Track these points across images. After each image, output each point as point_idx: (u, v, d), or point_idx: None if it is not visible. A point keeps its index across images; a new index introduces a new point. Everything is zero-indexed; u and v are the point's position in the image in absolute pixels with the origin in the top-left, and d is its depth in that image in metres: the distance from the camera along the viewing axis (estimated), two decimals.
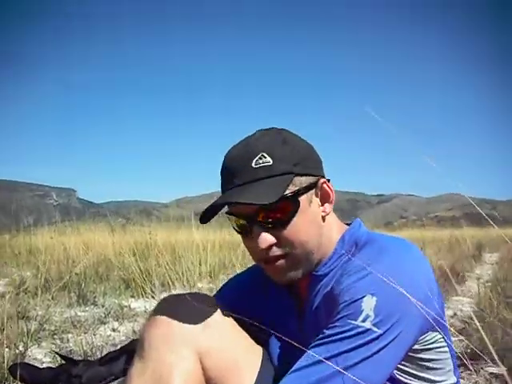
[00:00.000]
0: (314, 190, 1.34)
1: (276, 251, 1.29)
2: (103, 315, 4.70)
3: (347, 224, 1.46)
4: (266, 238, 1.28)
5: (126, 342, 1.87)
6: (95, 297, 5.47)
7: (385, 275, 1.14)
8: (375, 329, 1.12)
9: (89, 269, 6.46)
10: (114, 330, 4.27)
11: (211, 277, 6.65)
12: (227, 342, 1.35)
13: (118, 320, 4.61)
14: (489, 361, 3.13)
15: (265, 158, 1.27)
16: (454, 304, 5.56)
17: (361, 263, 1.22)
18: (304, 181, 1.30)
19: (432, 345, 1.26)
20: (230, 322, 1.39)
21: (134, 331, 4.09)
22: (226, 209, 1.36)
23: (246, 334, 1.41)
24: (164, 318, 1.34)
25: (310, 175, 1.32)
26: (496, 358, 0.98)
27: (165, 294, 5.44)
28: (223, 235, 8.98)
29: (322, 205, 1.37)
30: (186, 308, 1.35)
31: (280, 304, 1.50)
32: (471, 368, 2.97)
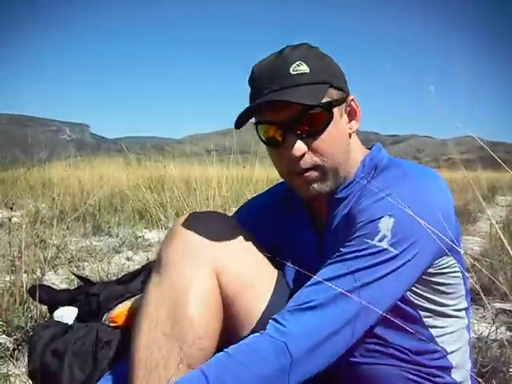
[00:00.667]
0: (344, 105, 1.37)
1: (307, 161, 1.31)
2: (118, 245, 4.79)
3: (368, 149, 1.48)
4: (300, 146, 1.29)
5: None
6: (110, 227, 5.55)
7: (404, 198, 1.16)
8: (391, 249, 1.16)
9: (103, 200, 6.53)
10: (128, 258, 4.35)
11: (224, 209, 6.69)
12: (244, 261, 1.38)
13: (132, 249, 4.70)
14: (497, 295, 3.21)
15: (302, 65, 1.28)
16: (464, 243, 5.58)
17: (380, 186, 1.24)
18: (336, 94, 1.33)
19: (446, 269, 1.29)
20: (247, 242, 1.43)
21: (148, 260, 4.17)
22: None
23: (263, 255, 1.44)
24: (183, 234, 1.37)
25: (341, 90, 1.35)
26: (507, 292, 1.01)
27: None
28: (236, 171, 8.97)
29: (349, 122, 1.40)
30: (204, 226, 1.38)
31: (298, 227, 1.53)
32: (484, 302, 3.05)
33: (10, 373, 1.84)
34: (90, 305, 1.75)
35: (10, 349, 2.23)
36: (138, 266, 3.98)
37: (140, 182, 6.81)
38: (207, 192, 6.53)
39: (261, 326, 1.27)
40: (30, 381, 1.59)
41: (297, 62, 1.28)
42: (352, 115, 1.41)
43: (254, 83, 1.36)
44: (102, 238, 5.27)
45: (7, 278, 3.01)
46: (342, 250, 1.20)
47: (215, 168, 7.99)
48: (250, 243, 1.44)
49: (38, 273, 3.39)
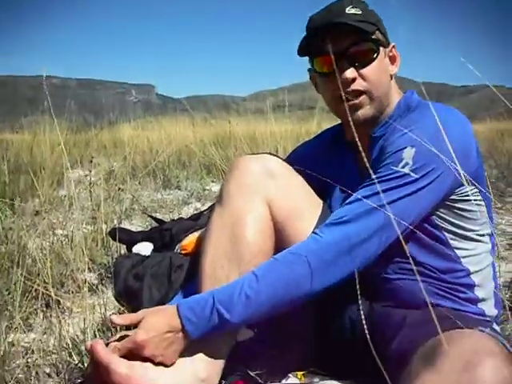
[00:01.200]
0: (387, 49, 1.59)
1: (358, 85, 1.52)
2: (186, 197, 5.06)
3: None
4: (352, 71, 1.51)
5: None
6: (179, 181, 5.82)
7: (425, 131, 1.34)
8: (412, 174, 1.36)
9: (172, 157, 6.80)
10: (196, 209, 4.61)
11: None
12: (291, 191, 1.59)
13: (200, 201, 4.97)
14: None
15: (355, 8, 1.51)
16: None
17: (407, 123, 1.44)
18: (381, 37, 1.56)
19: (468, 197, 1.46)
20: (295, 175, 1.64)
21: None
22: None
23: (309, 188, 1.65)
24: (239, 171, 1.58)
25: (384, 37, 1.58)
26: None
27: None
28: (299, 127, 9.07)
29: (391, 65, 1.62)
30: (257, 163, 1.59)
31: (344, 164, 1.72)
32: None
33: (96, 303, 2.11)
34: (164, 238, 2.01)
35: (95, 283, 2.51)
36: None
37: (205, 140, 7.05)
38: (271, 146, 6.72)
39: None
40: (116, 302, 1.85)
41: (350, 5, 1.51)
42: (392, 60, 1.62)
43: (311, 25, 1.59)
44: (171, 191, 5.55)
45: (89, 228, 3.30)
46: (372, 176, 1.39)
47: (280, 124, 8.16)
48: (298, 178, 1.64)
49: (115, 222, 3.68)
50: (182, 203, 4.82)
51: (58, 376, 1.68)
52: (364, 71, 1.52)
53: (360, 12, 1.51)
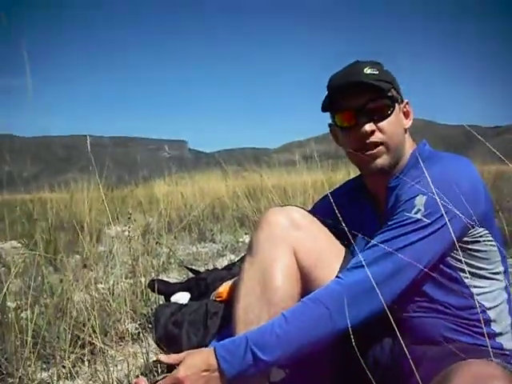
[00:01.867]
0: (401, 106, 1.76)
1: (376, 137, 1.67)
2: (221, 249, 5.21)
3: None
4: (371, 125, 1.66)
5: None
6: (213, 234, 5.98)
7: (434, 179, 1.48)
8: (425, 219, 1.50)
9: (206, 211, 6.98)
10: (230, 261, 4.73)
11: None
12: (315, 240, 1.74)
13: (234, 253, 5.11)
14: None
15: (372, 69, 1.69)
16: None
17: (419, 172, 1.58)
18: (396, 95, 1.73)
19: (480, 238, 1.58)
20: (318, 225, 1.80)
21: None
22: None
23: (332, 236, 1.80)
24: (267, 223, 1.74)
25: (399, 94, 1.75)
26: None
27: None
28: (329, 177, 9.19)
29: (405, 119, 1.78)
30: (284, 215, 1.75)
31: (364, 212, 1.87)
32: None
33: (138, 351, 2.24)
34: (200, 287, 2.17)
35: (136, 333, 2.65)
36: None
37: (238, 192, 7.24)
38: (302, 198, 6.86)
39: None
40: (157, 347, 1.99)
41: (368, 66, 1.69)
42: (406, 115, 1.79)
43: (331, 84, 1.77)
44: (206, 244, 5.70)
45: (129, 281, 3.46)
46: (388, 223, 1.55)
47: (310, 174, 8.29)
48: (321, 228, 1.80)
49: (153, 275, 3.84)
50: (216, 256, 4.98)
51: None
52: (381, 125, 1.68)
53: (376, 72, 1.68)
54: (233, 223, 6.54)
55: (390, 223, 1.55)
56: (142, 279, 3.38)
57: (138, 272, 3.47)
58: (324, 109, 1.79)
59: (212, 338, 1.84)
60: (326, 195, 2.10)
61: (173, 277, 4.16)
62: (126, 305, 2.57)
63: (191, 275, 2.61)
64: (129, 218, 4.72)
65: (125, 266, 4.21)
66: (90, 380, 2.15)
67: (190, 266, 4.39)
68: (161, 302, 2.73)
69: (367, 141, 1.68)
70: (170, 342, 1.92)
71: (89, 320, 2.36)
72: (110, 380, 1.99)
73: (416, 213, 1.52)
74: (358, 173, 1.99)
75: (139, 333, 2.64)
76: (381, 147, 1.68)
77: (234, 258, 4.90)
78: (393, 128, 1.70)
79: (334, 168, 9.40)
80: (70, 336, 2.23)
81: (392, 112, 1.70)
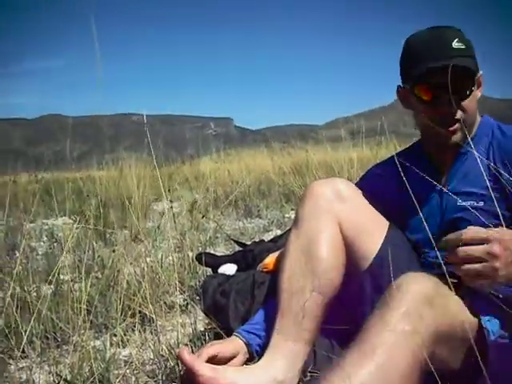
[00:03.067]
0: (476, 78, 1.73)
1: (457, 116, 1.68)
2: (267, 225, 5.25)
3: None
4: (454, 104, 1.65)
5: None
6: (259, 210, 6.02)
7: None
8: None
9: (252, 187, 7.02)
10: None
11: None
12: (359, 212, 1.77)
13: (280, 228, 5.14)
14: None
15: (460, 42, 1.66)
16: None
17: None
18: (477, 68, 1.72)
19: None
20: (362, 197, 1.82)
21: None
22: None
23: (374, 209, 1.82)
24: (312, 195, 1.78)
25: (477, 67, 1.73)
26: None
27: None
28: (374, 152, 9.11)
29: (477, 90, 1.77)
30: (328, 187, 1.79)
31: (421, 179, 1.82)
32: None
33: (186, 321, 2.30)
34: (247, 258, 2.21)
35: (184, 304, 2.71)
36: None
37: (284, 168, 7.26)
38: (348, 174, 6.83)
39: (374, 261, 1.70)
40: (206, 316, 2.05)
41: (455, 39, 1.66)
42: (479, 85, 1.77)
43: (411, 53, 1.75)
44: (252, 220, 5.74)
45: (175, 255, 3.53)
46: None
47: (356, 150, 8.25)
48: (364, 200, 1.82)
49: (200, 249, 3.90)
50: (262, 231, 5.02)
51: (155, 382, 1.88)
52: (463, 103, 1.68)
53: (464, 47, 1.66)
54: (279, 199, 6.57)
55: None
56: (190, 253, 3.44)
57: (186, 246, 3.53)
58: (405, 76, 1.80)
59: (259, 307, 1.88)
60: (372, 168, 2.12)
61: (220, 251, 4.22)
62: (174, 277, 2.63)
63: (238, 248, 2.66)
64: (170, 191, 4.79)
65: (172, 240, 4.30)
66: (141, 348, 2.21)
67: (236, 239, 4.47)
68: (208, 274, 2.79)
69: (449, 119, 1.68)
70: (217, 311, 1.98)
71: (139, 291, 2.42)
72: (160, 348, 2.04)
73: None
74: (403, 147, 1.98)
75: (187, 304, 2.69)
76: (459, 124, 1.68)
77: (280, 233, 4.93)
78: (472, 105, 1.71)
79: (380, 144, 9.31)
80: (120, 306, 2.29)
81: (473, 90, 1.71)
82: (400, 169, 1.73)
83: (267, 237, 4.72)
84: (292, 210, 6.17)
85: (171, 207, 5.56)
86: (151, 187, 7.51)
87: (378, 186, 1.92)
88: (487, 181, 1.55)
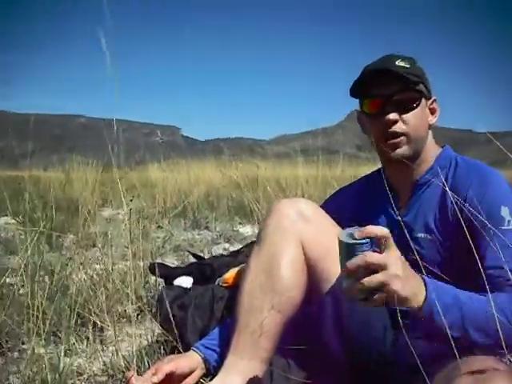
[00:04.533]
0: (428, 102, 1.79)
1: (398, 127, 1.71)
2: (216, 237, 5.23)
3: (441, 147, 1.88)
4: (395, 115, 1.70)
5: None
6: (207, 222, 6.00)
7: (502, 188, 1.62)
8: None
9: (200, 198, 6.99)
10: (225, 249, 4.76)
11: None
12: (323, 232, 1.77)
13: (229, 241, 5.13)
14: None
15: (404, 62, 1.73)
16: None
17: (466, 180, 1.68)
18: (425, 90, 1.77)
19: None
20: (326, 219, 1.83)
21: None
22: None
23: (339, 229, 1.82)
24: (276, 214, 1.79)
25: (427, 90, 1.79)
26: None
27: None
28: (323, 171, 9.19)
29: (430, 115, 1.82)
30: (293, 207, 1.80)
31: (380, 206, 1.89)
32: None
33: (138, 333, 2.27)
34: (205, 272, 2.21)
35: (135, 314, 2.67)
36: None
37: (235, 181, 7.25)
38: (296, 190, 6.88)
39: (335, 286, 1.69)
40: (161, 328, 2.03)
41: (400, 59, 1.73)
42: (432, 111, 1.82)
43: (363, 71, 1.79)
44: (201, 231, 5.71)
45: (124, 263, 3.48)
46: (480, 242, 1.53)
47: (303, 168, 8.32)
48: (329, 220, 1.84)
49: (150, 259, 3.85)
50: (211, 243, 5.00)
51: None
52: (405, 116, 1.72)
53: (408, 66, 1.72)
54: (227, 212, 6.56)
55: (489, 239, 1.50)
56: (140, 262, 3.41)
57: (137, 255, 3.50)
58: (353, 94, 1.83)
59: (217, 322, 1.87)
60: (337, 191, 2.15)
61: (168, 261, 4.16)
62: (125, 286, 2.59)
63: (188, 261, 2.65)
64: (131, 201, 4.73)
65: (120, 248, 4.25)
66: (90, 358, 2.17)
67: (192, 252, 4.44)
68: (163, 286, 2.76)
69: (390, 130, 1.72)
70: (174, 324, 1.96)
71: (90, 299, 2.38)
72: (110, 359, 2.02)
73: (509, 224, 1.55)
74: (355, 169, 2.02)
75: (138, 314, 2.66)
76: (402, 137, 1.72)
77: (228, 246, 4.92)
78: (417, 121, 1.74)
79: (329, 163, 9.41)
80: (72, 314, 2.25)
81: (418, 105, 1.74)
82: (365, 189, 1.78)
83: (216, 249, 4.72)
84: (240, 223, 6.18)
85: (117, 214, 5.49)
86: (97, 192, 7.40)
87: (341, 209, 1.95)
88: (438, 214, 1.69)
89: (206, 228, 5.86)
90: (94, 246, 4.07)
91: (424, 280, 1.35)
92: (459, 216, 1.54)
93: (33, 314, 2.22)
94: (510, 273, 1.38)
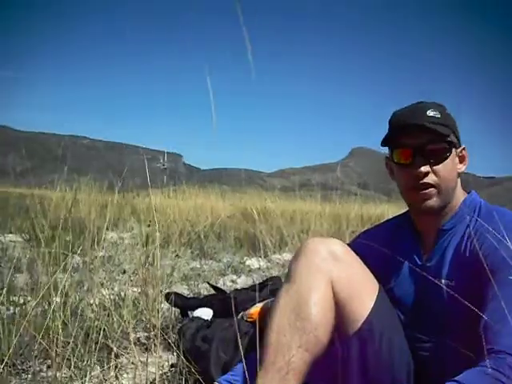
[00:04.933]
0: (458, 150, 1.81)
1: (429, 179, 1.73)
2: (223, 268, 5.21)
3: (467, 192, 1.89)
4: (427, 167, 1.72)
5: None
6: (215, 253, 5.97)
7: None
8: None
9: (207, 228, 6.97)
10: (233, 281, 4.75)
11: None
12: (353, 274, 1.78)
13: (236, 273, 5.11)
14: None
15: (435, 112, 1.75)
16: None
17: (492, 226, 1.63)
18: (455, 140, 1.79)
19: None
20: (356, 260, 1.83)
21: (252, 283, 4.53)
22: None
23: (369, 272, 1.84)
24: (306, 252, 1.79)
25: (457, 139, 1.81)
26: None
27: (275, 256, 5.89)
28: (325, 207, 9.21)
29: (459, 163, 1.83)
30: (324, 247, 1.79)
31: (406, 252, 1.91)
32: None
33: (148, 361, 2.25)
34: (227, 305, 2.18)
35: (148, 343, 2.65)
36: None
37: (240, 212, 7.24)
38: (303, 225, 6.88)
39: (364, 325, 1.70)
40: (184, 359, 2.00)
41: (431, 109, 1.76)
42: (461, 159, 1.85)
43: (394, 120, 1.83)
44: (207, 261, 5.68)
45: (133, 289, 3.46)
46: (490, 293, 1.52)
47: (309, 202, 8.34)
48: (359, 262, 1.84)
49: (160, 287, 3.84)
50: (219, 274, 4.97)
51: None
52: (437, 168, 1.73)
53: (439, 116, 1.74)
54: (234, 243, 6.55)
55: (497, 294, 1.47)
56: (150, 290, 3.39)
57: (147, 282, 3.48)
58: (384, 143, 1.84)
59: (241, 357, 1.85)
60: (365, 232, 2.16)
61: (177, 290, 4.13)
62: (138, 313, 2.58)
63: (198, 290, 2.63)
64: (148, 226, 4.70)
65: (127, 273, 4.23)
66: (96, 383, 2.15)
67: (194, 284, 4.41)
68: (173, 315, 2.74)
69: (421, 181, 1.73)
70: (197, 357, 1.94)
71: (102, 326, 2.36)
72: None
73: None
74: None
75: (150, 343, 2.63)
76: (432, 189, 1.74)
77: (235, 278, 4.90)
78: (447, 172, 1.75)
79: (329, 199, 9.45)
80: (88, 338, 2.23)
81: (448, 156, 1.75)
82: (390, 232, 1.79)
83: (224, 281, 4.69)
84: (247, 256, 6.14)
85: (122, 238, 5.45)
86: (101, 215, 7.39)
87: (368, 251, 1.95)
88: (459, 261, 1.70)
89: (213, 258, 5.83)
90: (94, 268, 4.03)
91: None
92: (476, 264, 1.59)
93: (48, 336, 2.20)
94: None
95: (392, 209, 9.78)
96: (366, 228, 2.16)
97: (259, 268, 5.41)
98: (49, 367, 2.28)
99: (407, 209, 2.01)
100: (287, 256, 5.95)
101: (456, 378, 1.35)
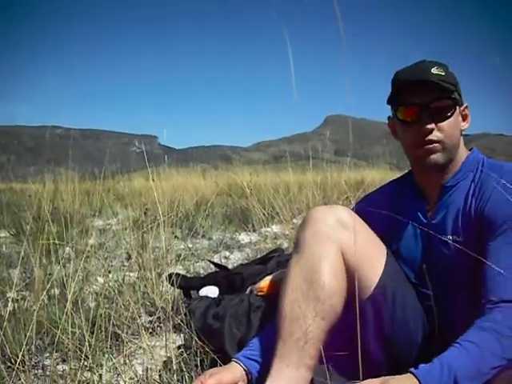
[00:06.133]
0: (461, 108, 1.81)
1: (434, 136, 1.72)
2: (215, 245, 5.19)
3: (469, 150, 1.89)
4: (433, 123, 1.72)
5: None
6: (205, 231, 5.93)
7: None
8: None
9: (193, 207, 6.92)
10: (226, 257, 4.74)
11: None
12: (361, 239, 1.77)
13: (228, 249, 5.10)
14: None
15: (439, 69, 1.73)
16: None
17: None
18: (458, 97, 1.79)
19: None
20: (363, 225, 1.84)
21: (245, 259, 4.53)
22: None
23: (375, 236, 1.85)
24: (313, 220, 1.77)
25: (460, 97, 1.81)
26: None
27: (264, 229, 5.88)
28: (308, 177, 9.15)
29: (462, 122, 1.84)
30: (330, 214, 1.78)
31: (410, 211, 1.91)
32: None
33: (157, 344, 2.24)
34: (234, 282, 2.17)
35: (152, 326, 2.63)
36: (236, 264, 4.36)
37: (224, 190, 7.22)
38: (288, 196, 6.85)
39: (376, 290, 1.73)
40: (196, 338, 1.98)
41: (435, 67, 1.74)
42: (464, 118, 1.85)
43: (398, 78, 1.82)
44: (197, 240, 5.65)
45: (130, 274, 3.43)
46: (492, 244, 1.59)
47: (290, 174, 8.32)
48: (366, 227, 1.84)
49: (155, 269, 3.81)
50: (211, 251, 4.96)
51: None
52: (441, 124, 1.73)
53: (443, 73, 1.73)
54: (222, 220, 6.52)
55: (502, 246, 1.56)
56: (148, 273, 3.36)
57: (141, 265, 3.45)
58: (388, 101, 1.85)
59: (255, 332, 1.84)
60: (368, 195, 2.16)
61: (171, 271, 4.13)
62: (139, 297, 2.55)
63: (194, 270, 2.60)
64: (145, 213, 4.68)
65: (120, 258, 4.21)
66: (109, 372, 2.13)
67: (187, 263, 4.39)
68: (178, 296, 2.71)
69: (426, 138, 1.72)
70: (210, 336, 1.93)
71: (102, 313, 2.33)
72: (131, 373, 1.98)
73: None
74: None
75: (156, 326, 2.61)
76: (437, 145, 1.73)
77: (228, 254, 4.89)
78: (451, 129, 1.75)
79: (307, 168, 9.44)
80: (92, 328, 2.20)
81: (453, 113, 1.75)
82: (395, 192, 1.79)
83: (217, 258, 4.68)
84: (236, 231, 6.13)
85: (109, 224, 5.40)
86: (85, 203, 7.31)
87: (372, 214, 1.94)
88: (464, 217, 1.72)
89: (203, 237, 5.81)
90: (88, 257, 3.99)
91: (414, 374, 1.38)
92: (481, 219, 1.64)
93: (52, 329, 2.18)
94: None
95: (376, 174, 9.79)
96: (355, 194, 2.15)
97: (250, 242, 5.40)
98: (64, 360, 2.25)
99: (406, 171, 2.02)
100: (276, 228, 5.94)
101: (458, 340, 1.40)
